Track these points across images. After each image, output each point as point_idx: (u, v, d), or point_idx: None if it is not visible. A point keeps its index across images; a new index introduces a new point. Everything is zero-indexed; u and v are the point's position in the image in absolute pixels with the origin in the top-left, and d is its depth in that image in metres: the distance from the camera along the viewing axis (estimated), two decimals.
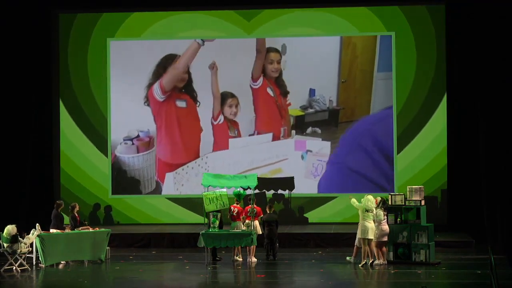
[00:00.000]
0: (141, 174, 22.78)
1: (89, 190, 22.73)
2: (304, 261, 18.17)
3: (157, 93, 22.66)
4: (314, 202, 22.30)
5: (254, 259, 17.74)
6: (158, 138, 22.69)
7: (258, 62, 22.46)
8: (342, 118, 22.26)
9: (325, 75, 22.26)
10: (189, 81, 22.68)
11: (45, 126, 22.57)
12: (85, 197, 22.58)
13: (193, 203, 22.10)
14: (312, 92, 22.29)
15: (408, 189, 17.41)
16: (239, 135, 22.56)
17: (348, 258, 17.40)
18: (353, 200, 17.08)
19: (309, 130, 22.37)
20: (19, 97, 21.89)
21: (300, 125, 22.41)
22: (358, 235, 17.00)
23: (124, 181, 22.75)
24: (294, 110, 22.43)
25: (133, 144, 22.76)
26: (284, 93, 22.42)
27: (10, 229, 17.10)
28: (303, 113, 22.37)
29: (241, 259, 17.98)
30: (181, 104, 22.70)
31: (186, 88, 22.71)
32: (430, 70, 21.89)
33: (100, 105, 22.82)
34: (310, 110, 22.31)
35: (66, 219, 18.53)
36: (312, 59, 22.27)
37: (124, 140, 22.76)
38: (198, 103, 22.62)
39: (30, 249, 17.45)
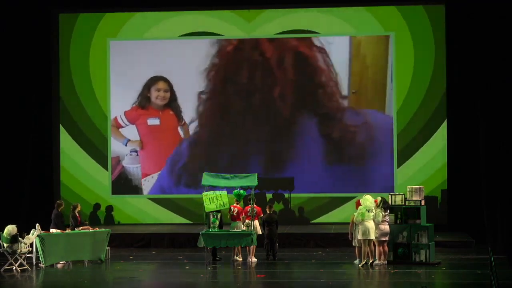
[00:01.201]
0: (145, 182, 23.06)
1: (89, 190, 22.76)
2: (304, 261, 18.17)
3: (122, 121, 22.96)
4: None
5: (254, 259, 17.75)
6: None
7: None
8: None
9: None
10: (174, 98, 22.83)
11: (45, 126, 22.57)
12: (85, 197, 22.60)
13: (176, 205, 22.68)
14: None
15: (408, 189, 17.41)
16: None
17: (355, 262, 17.33)
18: (360, 208, 17.05)
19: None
20: (19, 97, 21.89)
21: None
22: (359, 236, 16.97)
23: (129, 188, 22.90)
24: None
25: (137, 155, 22.96)
26: None
27: (10, 229, 17.10)
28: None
29: (241, 259, 17.98)
30: (153, 122, 22.90)
31: (170, 105, 22.86)
32: (430, 70, 21.89)
33: (101, 104, 22.85)
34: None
35: (67, 219, 18.50)
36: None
37: (130, 152, 22.89)
38: (182, 121, 22.81)
39: (30, 249, 17.45)
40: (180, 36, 22.70)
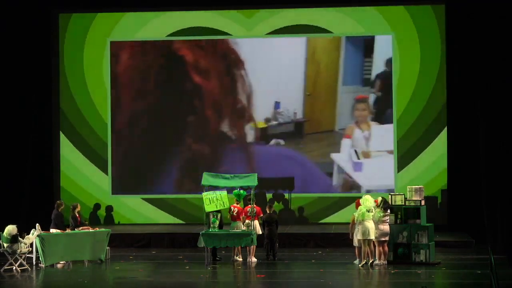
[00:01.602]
0: None
1: (89, 190, 22.76)
2: (304, 261, 18.17)
3: None
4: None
5: (254, 259, 17.75)
6: None
7: None
8: (308, 130, 22.41)
9: (290, 88, 22.45)
10: None
11: (45, 126, 22.56)
12: (85, 197, 22.60)
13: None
14: (277, 105, 22.43)
15: (408, 189, 17.41)
16: None
17: (355, 262, 17.31)
18: (360, 208, 17.03)
19: (273, 141, 22.51)
20: (19, 97, 21.88)
21: (264, 137, 22.59)
22: (358, 236, 16.97)
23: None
24: (259, 122, 22.58)
25: None
26: None
27: (11, 229, 17.09)
28: (266, 125, 22.51)
29: (241, 259, 17.98)
30: None
31: None
32: (430, 70, 21.89)
33: (100, 104, 22.84)
34: (274, 122, 22.45)
35: (67, 220, 18.49)
36: (278, 72, 22.46)
37: None
38: None
39: (30, 249, 17.45)
40: (167, 36, 22.72)
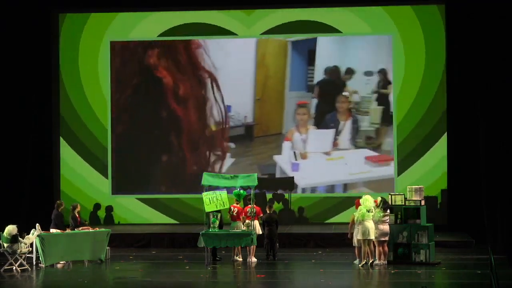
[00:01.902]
0: None
1: (89, 189, 22.75)
2: (304, 261, 18.17)
3: None
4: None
5: (254, 259, 17.75)
6: None
7: None
8: (257, 133, 22.76)
9: (241, 92, 22.71)
10: None
11: (45, 126, 22.55)
12: (85, 197, 22.59)
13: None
14: (228, 108, 22.69)
15: (408, 189, 17.41)
16: None
17: (355, 262, 17.30)
18: (360, 208, 17.02)
19: (224, 144, 22.77)
20: (19, 97, 21.87)
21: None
22: (358, 236, 16.97)
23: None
24: (211, 125, 22.83)
25: None
26: None
27: (11, 229, 17.10)
28: (215, 129, 22.75)
29: (241, 259, 17.98)
30: None
31: None
32: (430, 70, 21.87)
33: (99, 105, 22.84)
34: (225, 126, 22.79)
35: (66, 220, 18.49)
36: (230, 77, 22.67)
37: None
38: None
39: (30, 249, 17.45)
40: (158, 36, 22.76)
